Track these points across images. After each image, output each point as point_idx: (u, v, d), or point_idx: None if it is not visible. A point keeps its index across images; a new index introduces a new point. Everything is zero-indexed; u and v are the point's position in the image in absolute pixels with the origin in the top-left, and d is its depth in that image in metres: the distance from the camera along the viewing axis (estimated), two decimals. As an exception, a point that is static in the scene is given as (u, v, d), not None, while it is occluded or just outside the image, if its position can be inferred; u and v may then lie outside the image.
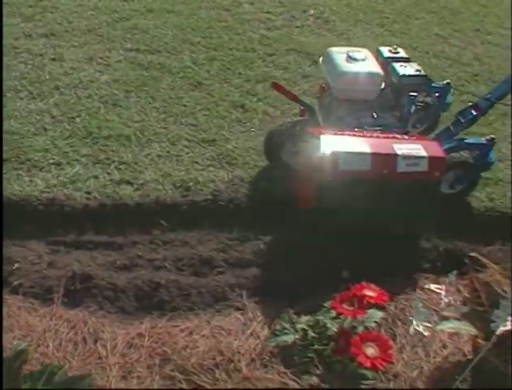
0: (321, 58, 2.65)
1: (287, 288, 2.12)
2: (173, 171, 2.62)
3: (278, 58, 3.51)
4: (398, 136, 2.34)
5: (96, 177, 2.57)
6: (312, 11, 4.19)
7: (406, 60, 2.61)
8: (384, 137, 2.28)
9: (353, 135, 2.27)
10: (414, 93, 2.54)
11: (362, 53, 2.52)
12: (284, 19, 3.98)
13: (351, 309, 1.65)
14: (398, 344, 1.87)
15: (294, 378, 1.76)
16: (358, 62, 2.48)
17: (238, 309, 2.06)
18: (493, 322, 1.48)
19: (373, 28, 4.01)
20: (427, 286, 1.69)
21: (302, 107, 2.66)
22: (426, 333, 1.56)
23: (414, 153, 2.16)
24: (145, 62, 3.38)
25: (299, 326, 1.84)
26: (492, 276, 1.74)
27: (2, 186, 2.43)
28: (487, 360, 1.60)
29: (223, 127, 2.91)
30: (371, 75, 2.48)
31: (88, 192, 2.48)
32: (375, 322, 1.83)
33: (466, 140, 2.54)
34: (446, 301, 1.58)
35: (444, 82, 2.65)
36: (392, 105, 2.60)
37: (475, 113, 2.51)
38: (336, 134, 2.24)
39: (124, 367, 1.84)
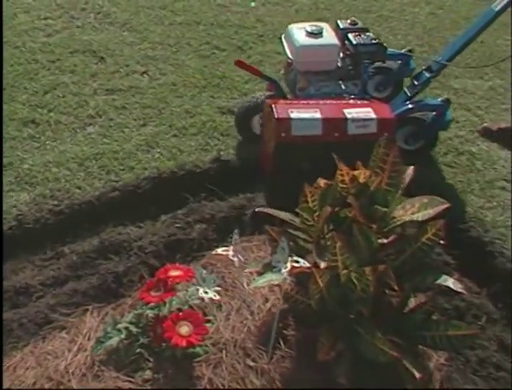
0: (283, 36, 2.78)
1: (108, 292, 2.06)
2: (-30, 208, 2.43)
3: (63, 63, 3.37)
4: (351, 101, 2.47)
5: None
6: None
7: (363, 30, 2.72)
8: (336, 103, 2.42)
9: (306, 103, 2.40)
10: (368, 61, 2.68)
11: (319, 27, 2.64)
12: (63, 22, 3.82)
13: (158, 294, 1.63)
14: (224, 313, 1.89)
15: (127, 378, 1.72)
16: (316, 35, 2.61)
17: (63, 328, 1.96)
18: (275, 267, 1.54)
19: (156, 11, 3.97)
20: (214, 252, 1.71)
21: (269, 82, 2.78)
22: (217, 298, 1.58)
23: (363, 116, 2.32)
24: None
25: (120, 325, 1.80)
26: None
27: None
28: (294, 299, 1.67)
29: (17, 148, 2.75)
30: (328, 46, 2.63)
31: None
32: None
33: (423, 102, 2.69)
34: (236, 260, 1.61)
35: (405, 49, 2.82)
36: (351, 73, 2.72)
37: (428, 75, 2.67)
38: (290, 103, 2.40)
39: None
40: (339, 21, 2.80)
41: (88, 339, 1.88)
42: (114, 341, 1.78)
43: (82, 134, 2.84)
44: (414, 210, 1.65)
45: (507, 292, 2.21)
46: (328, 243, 1.67)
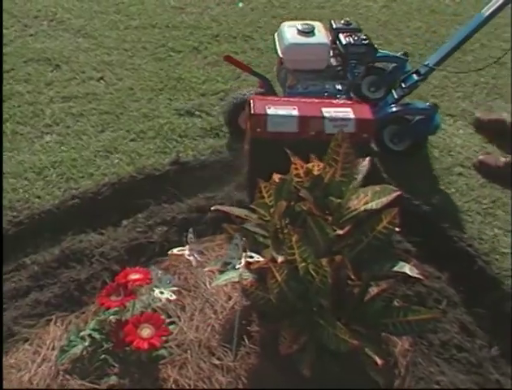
0: (275, 34, 2.79)
1: (71, 301, 2.05)
2: None
3: (17, 73, 3.31)
4: (333, 101, 2.46)
5: None
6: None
7: (355, 31, 2.72)
8: (316, 102, 2.39)
9: (287, 100, 2.40)
10: (355, 61, 2.68)
11: (311, 26, 2.67)
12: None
13: (118, 299, 1.63)
14: (188, 313, 1.89)
15: (92, 386, 1.71)
16: (307, 34, 2.63)
17: (26, 340, 1.94)
18: (229, 263, 1.55)
19: (110, 16, 3.93)
20: (169, 251, 1.72)
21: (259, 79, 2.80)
22: (173, 297, 1.59)
23: (341, 115, 2.28)
24: None
25: (84, 333, 1.78)
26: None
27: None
28: (255, 295, 1.68)
29: (-27, 160, 2.71)
30: (317, 45, 2.65)
31: None
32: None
33: (410, 105, 2.70)
34: (192, 259, 1.62)
35: (401, 52, 2.81)
36: (341, 73, 2.72)
37: (416, 78, 2.67)
38: (270, 99, 2.38)
39: None
40: (332, 21, 2.82)
41: (53, 349, 1.87)
42: (78, 349, 1.77)
43: (39, 143, 2.81)
44: (368, 200, 1.67)
45: (467, 276, 2.26)
46: (285, 237, 1.69)
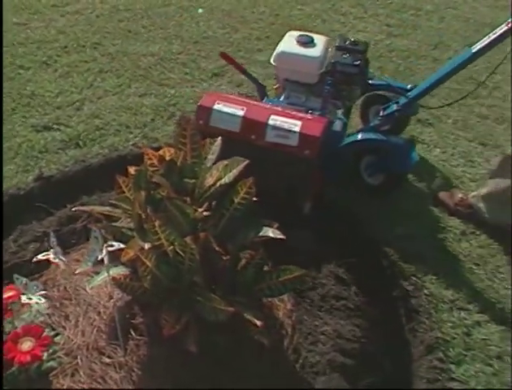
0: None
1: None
2: None
3: None
4: (292, 111, 2.36)
5: None
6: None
7: (356, 52, 2.63)
8: (271, 108, 2.34)
9: (242, 101, 2.36)
10: (331, 79, 2.62)
11: (311, 37, 2.63)
12: None
13: (-4, 319, 1.61)
14: (72, 321, 1.89)
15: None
16: (303, 44, 2.60)
17: None
18: (91, 257, 1.59)
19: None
20: (35, 259, 1.72)
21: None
22: (42, 301, 1.60)
23: (286, 126, 2.22)
24: None
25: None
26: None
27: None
28: (131, 287, 1.72)
29: None
30: (306, 58, 2.59)
31: None
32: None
33: (380, 138, 2.53)
34: (58, 261, 1.64)
35: (411, 85, 2.66)
36: (330, 91, 2.64)
37: (394, 108, 2.56)
38: (225, 97, 2.35)
39: None
40: (338, 38, 2.75)
41: None
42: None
43: None
44: (221, 175, 1.76)
45: (334, 231, 2.42)
46: (149, 225, 1.73)
